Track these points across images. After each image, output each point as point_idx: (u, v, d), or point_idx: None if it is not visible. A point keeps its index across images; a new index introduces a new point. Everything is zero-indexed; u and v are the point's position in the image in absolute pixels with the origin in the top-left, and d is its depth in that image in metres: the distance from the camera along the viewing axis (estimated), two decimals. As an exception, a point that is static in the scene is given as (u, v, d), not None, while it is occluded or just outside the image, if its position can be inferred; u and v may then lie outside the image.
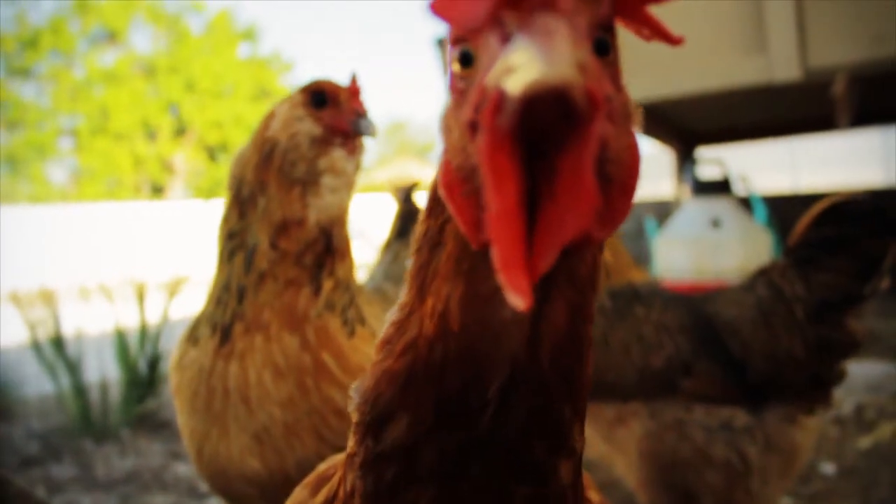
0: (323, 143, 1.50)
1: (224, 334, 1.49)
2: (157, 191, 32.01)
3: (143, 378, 4.62)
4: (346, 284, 1.55)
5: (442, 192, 0.61)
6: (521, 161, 0.53)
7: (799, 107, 5.52)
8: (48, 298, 4.60)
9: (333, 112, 1.51)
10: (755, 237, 4.83)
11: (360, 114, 1.53)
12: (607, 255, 1.98)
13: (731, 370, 1.91)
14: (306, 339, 1.48)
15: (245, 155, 1.56)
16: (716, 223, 4.76)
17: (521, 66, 0.47)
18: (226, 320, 1.50)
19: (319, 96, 1.52)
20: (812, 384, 1.90)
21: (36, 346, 4.52)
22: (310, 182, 1.50)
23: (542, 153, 0.54)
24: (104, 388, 4.66)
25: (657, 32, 0.64)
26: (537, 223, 0.54)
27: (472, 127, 0.56)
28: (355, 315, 1.54)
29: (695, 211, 4.95)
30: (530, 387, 0.63)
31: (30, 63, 28.36)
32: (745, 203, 5.44)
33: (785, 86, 4.40)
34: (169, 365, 1.62)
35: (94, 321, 5.47)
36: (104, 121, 31.08)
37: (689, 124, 6.16)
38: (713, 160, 5.29)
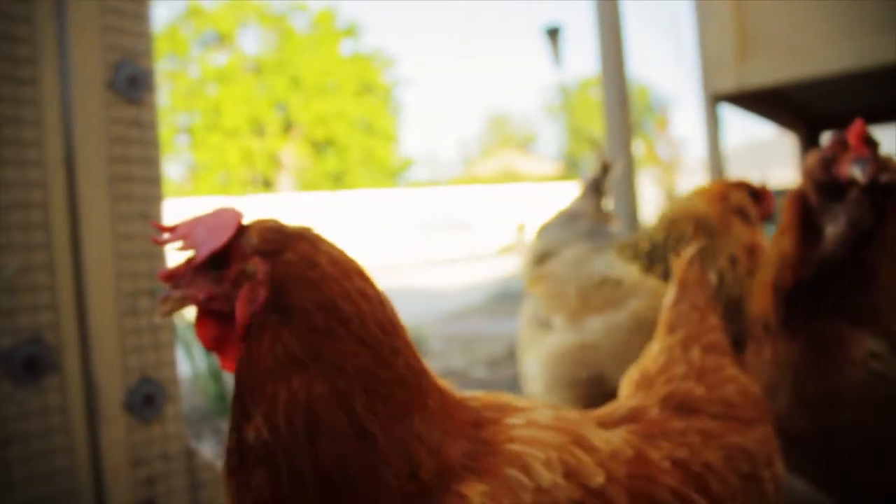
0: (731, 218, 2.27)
1: None
2: (267, 184, 33.34)
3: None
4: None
5: None
6: None
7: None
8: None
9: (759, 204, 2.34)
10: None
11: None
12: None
13: None
14: None
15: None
16: (847, 211, 4.54)
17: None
18: None
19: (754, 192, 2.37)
20: None
21: (176, 330, 4.84)
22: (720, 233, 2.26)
23: None
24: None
25: None
26: None
27: None
28: None
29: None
30: None
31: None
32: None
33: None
34: None
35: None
36: (216, 118, 32.64)
37: (814, 108, 5.88)
38: (842, 145, 5.04)
